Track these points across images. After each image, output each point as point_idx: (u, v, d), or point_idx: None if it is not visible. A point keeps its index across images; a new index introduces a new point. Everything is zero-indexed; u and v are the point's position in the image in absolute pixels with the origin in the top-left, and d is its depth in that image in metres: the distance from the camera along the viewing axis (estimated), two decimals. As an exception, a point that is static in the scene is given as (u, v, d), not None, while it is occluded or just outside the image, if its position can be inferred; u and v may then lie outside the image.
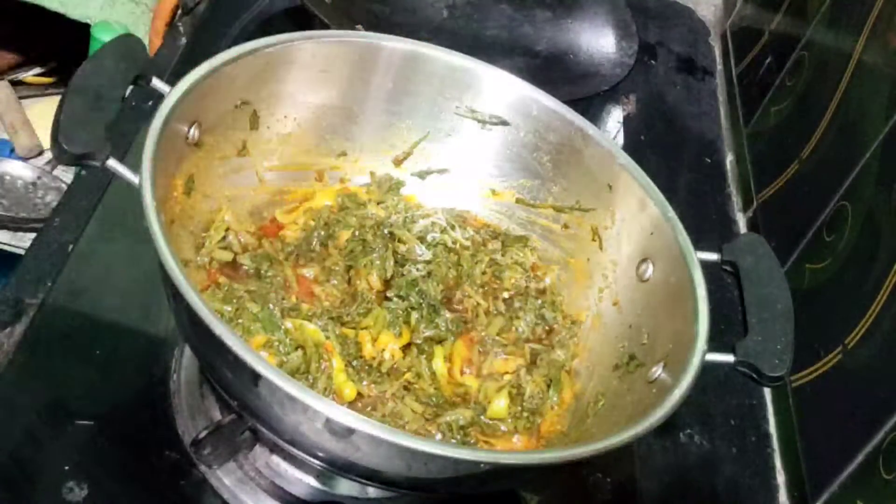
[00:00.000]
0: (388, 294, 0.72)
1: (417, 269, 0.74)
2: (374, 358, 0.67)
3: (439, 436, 0.66)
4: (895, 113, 0.80)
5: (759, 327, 0.62)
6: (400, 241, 0.75)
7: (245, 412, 0.58)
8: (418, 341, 0.70)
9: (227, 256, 0.70)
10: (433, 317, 0.71)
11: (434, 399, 0.67)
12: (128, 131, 0.85)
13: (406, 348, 0.69)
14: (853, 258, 0.81)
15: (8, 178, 1.26)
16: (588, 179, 0.76)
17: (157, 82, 0.63)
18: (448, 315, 0.72)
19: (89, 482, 0.65)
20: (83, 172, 0.86)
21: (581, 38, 1.24)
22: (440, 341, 0.71)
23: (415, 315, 0.70)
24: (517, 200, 0.80)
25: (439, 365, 0.69)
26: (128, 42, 0.64)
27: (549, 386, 0.70)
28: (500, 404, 0.68)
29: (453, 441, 0.66)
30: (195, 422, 0.69)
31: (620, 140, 1.13)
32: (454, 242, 0.78)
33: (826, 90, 0.95)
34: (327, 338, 0.66)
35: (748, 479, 0.82)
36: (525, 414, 0.68)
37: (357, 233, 0.75)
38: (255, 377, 0.51)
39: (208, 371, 0.61)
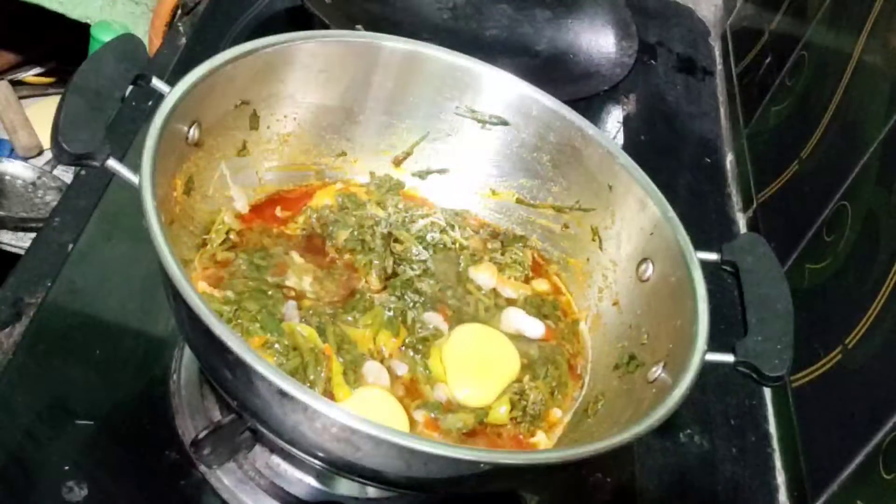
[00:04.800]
0: (385, 294, 0.72)
1: (413, 269, 0.74)
2: (373, 359, 0.67)
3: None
4: (895, 113, 0.80)
5: (759, 327, 0.62)
6: (398, 241, 0.75)
7: (245, 412, 0.58)
8: (413, 340, 0.70)
9: (228, 257, 0.70)
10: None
11: (432, 405, 0.67)
12: (128, 131, 0.85)
13: (404, 349, 0.69)
14: (853, 258, 0.81)
15: (8, 178, 1.26)
16: (588, 179, 0.76)
17: (157, 82, 0.63)
18: (439, 316, 0.72)
19: (89, 482, 0.65)
20: (83, 172, 0.86)
21: (581, 38, 1.24)
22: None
23: (410, 314, 0.70)
24: (517, 200, 0.80)
25: (434, 363, 0.69)
26: (128, 42, 0.64)
27: (552, 393, 0.70)
28: (501, 411, 0.68)
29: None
30: (195, 422, 0.69)
31: (620, 140, 1.13)
32: (454, 242, 0.78)
33: (826, 90, 0.95)
34: (324, 341, 0.66)
35: (748, 479, 0.82)
36: (528, 418, 0.68)
37: (356, 233, 0.75)
38: (255, 377, 0.51)
39: (208, 371, 0.61)
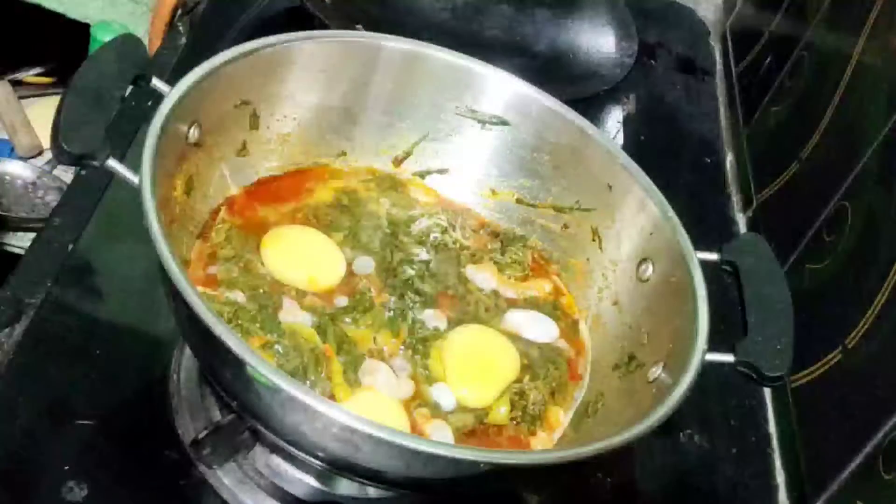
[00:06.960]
0: (384, 294, 0.72)
1: (413, 269, 0.74)
2: (372, 358, 0.67)
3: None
4: (895, 113, 0.80)
5: (759, 327, 0.62)
6: (398, 241, 0.75)
7: (245, 412, 0.58)
8: (413, 340, 0.69)
9: (228, 256, 0.70)
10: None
11: (432, 405, 0.66)
12: (128, 131, 0.85)
13: (404, 349, 0.69)
14: (853, 258, 0.81)
15: (8, 178, 1.26)
16: (588, 179, 0.76)
17: (157, 82, 0.63)
18: (440, 314, 0.72)
19: (89, 482, 0.65)
20: (83, 172, 0.86)
21: (581, 38, 1.24)
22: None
23: (410, 315, 0.70)
24: (517, 200, 0.80)
25: (434, 363, 0.69)
26: (128, 42, 0.64)
27: (552, 393, 0.70)
28: (501, 411, 0.68)
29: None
30: (195, 422, 0.69)
31: (620, 140, 1.13)
32: (454, 242, 0.78)
33: (826, 90, 0.95)
34: (324, 341, 0.66)
35: (748, 479, 0.82)
36: (528, 418, 0.68)
37: (355, 232, 0.75)
38: (255, 377, 0.51)
39: (208, 371, 0.61)
